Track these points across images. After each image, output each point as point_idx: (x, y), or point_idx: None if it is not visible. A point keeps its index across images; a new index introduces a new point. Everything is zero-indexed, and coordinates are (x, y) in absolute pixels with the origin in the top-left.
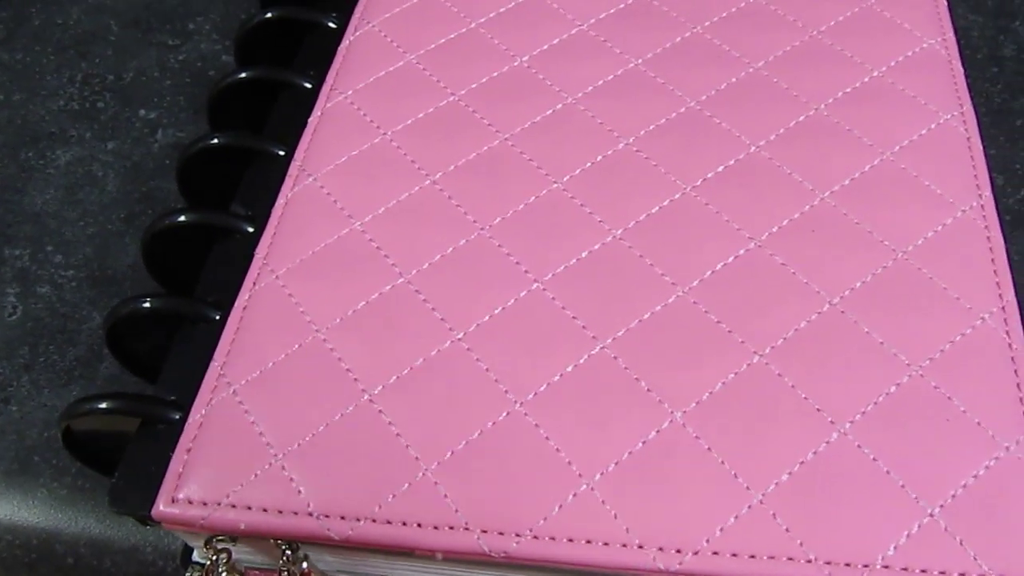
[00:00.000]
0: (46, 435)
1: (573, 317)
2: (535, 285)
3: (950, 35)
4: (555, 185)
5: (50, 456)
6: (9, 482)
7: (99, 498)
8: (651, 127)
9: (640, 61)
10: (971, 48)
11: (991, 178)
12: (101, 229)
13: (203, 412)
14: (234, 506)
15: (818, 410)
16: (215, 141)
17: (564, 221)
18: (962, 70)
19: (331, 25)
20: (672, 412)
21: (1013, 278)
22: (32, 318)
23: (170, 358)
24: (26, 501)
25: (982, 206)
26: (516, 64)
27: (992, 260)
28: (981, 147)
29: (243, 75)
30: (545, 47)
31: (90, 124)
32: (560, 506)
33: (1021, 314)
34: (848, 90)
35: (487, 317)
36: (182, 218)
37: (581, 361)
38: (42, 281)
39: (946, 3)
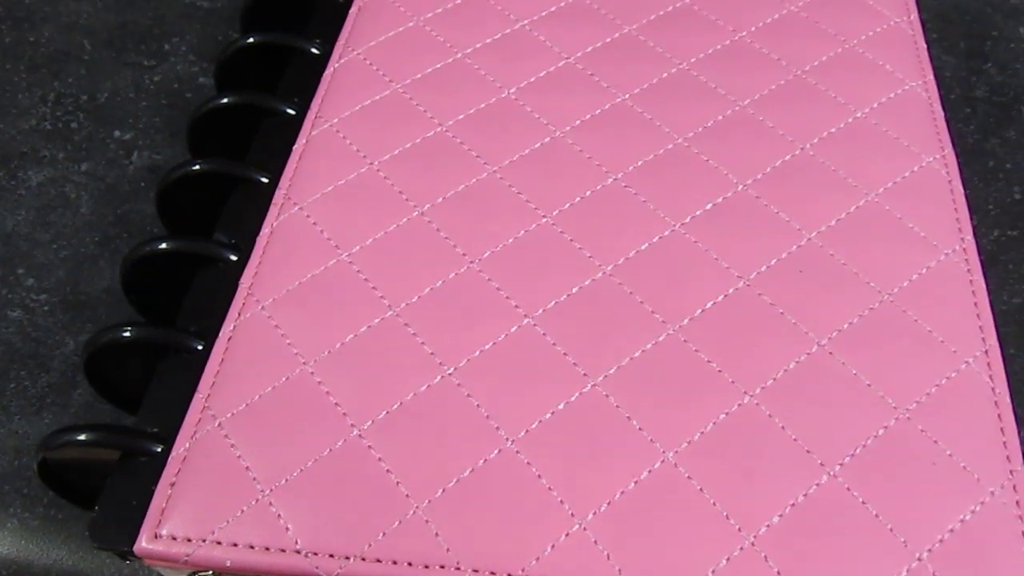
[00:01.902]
0: (17, 463)
1: (564, 354)
2: (526, 321)
3: (930, 78)
4: (544, 220)
5: (21, 485)
6: None
7: (72, 529)
8: (639, 163)
9: (627, 96)
10: (944, 89)
11: None
12: (75, 252)
13: (187, 445)
14: (219, 543)
15: (808, 452)
16: (198, 167)
17: (554, 256)
18: (943, 113)
19: (314, 52)
20: (664, 452)
21: (995, 323)
22: (3, 342)
23: (151, 389)
24: None
25: (964, 249)
26: (503, 96)
27: (975, 304)
28: (962, 190)
29: (227, 100)
30: (532, 79)
31: (63, 144)
32: (553, 546)
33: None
34: (832, 130)
35: (478, 352)
36: (164, 245)
37: (573, 399)
38: (13, 305)
39: (925, 46)
